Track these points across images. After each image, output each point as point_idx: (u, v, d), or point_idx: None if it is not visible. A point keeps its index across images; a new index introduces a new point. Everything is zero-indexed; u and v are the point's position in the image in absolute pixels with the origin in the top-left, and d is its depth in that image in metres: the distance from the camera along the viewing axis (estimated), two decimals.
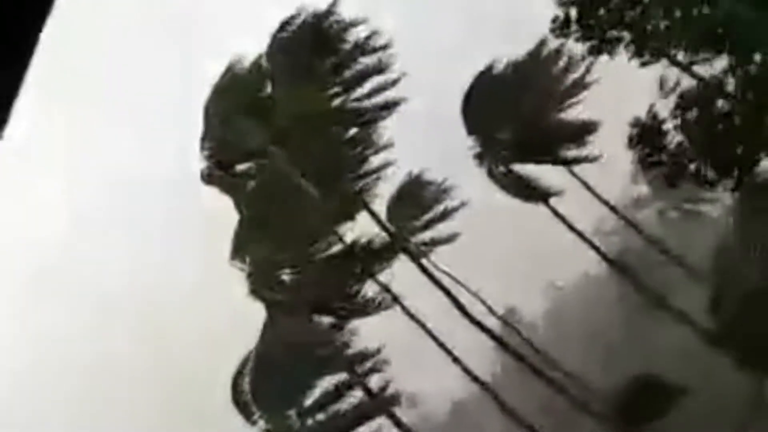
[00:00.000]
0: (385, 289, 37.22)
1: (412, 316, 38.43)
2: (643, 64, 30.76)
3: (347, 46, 37.95)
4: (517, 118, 42.70)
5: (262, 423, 37.01)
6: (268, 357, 34.64)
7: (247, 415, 36.82)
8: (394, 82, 38.39)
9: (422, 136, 45.44)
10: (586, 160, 43.51)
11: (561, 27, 32.18)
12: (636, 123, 31.83)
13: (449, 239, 43.27)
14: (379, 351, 37.50)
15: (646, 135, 31.45)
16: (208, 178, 35.72)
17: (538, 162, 44.14)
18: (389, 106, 39.23)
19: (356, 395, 37.38)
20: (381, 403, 34.52)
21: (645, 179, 40.85)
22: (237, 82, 36.51)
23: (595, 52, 31.73)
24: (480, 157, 43.75)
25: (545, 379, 40.28)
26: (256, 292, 33.60)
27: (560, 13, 32.09)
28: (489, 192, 44.96)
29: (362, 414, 37.30)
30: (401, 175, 42.36)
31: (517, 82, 43.86)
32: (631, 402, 36.39)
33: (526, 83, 43.77)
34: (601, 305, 59.93)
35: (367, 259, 36.96)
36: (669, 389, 36.14)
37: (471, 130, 43.57)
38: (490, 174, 43.84)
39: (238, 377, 36.84)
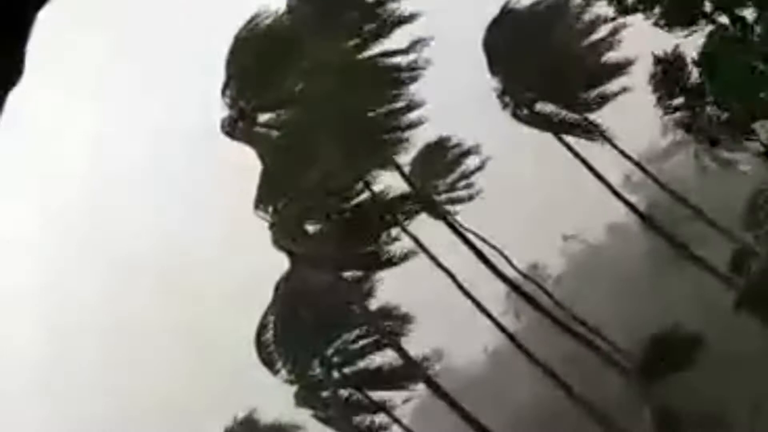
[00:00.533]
0: (413, 239, 36.76)
1: (441, 266, 38.03)
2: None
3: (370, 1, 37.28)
4: (542, 55, 41.76)
5: (284, 373, 36.92)
6: (292, 308, 34.40)
7: (270, 365, 36.70)
8: (420, 42, 37.63)
9: (447, 87, 44.62)
10: (615, 96, 42.61)
11: None
12: (658, 60, 30.72)
13: (472, 196, 42.87)
14: (399, 308, 37.20)
15: (667, 73, 30.37)
16: (228, 128, 35.12)
17: (564, 102, 43.23)
18: (416, 66, 38.52)
19: (386, 355, 37.17)
20: (413, 367, 34.16)
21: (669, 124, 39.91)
22: (261, 32, 35.78)
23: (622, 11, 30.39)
24: (503, 98, 42.96)
25: (569, 332, 39.84)
26: (279, 243, 33.08)
27: None
28: (515, 144, 44.38)
29: (394, 376, 37.11)
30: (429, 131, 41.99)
31: (542, 16, 43.12)
32: (651, 356, 35.99)
33: (551, 18, 43.04)
34: (628, 258, 59.39)
35: (391, 210, 36.40)
36: (688, 341, 35.71)
37: (494, 70, 42.78)
38: (515, 115, 43.17)
39: (262, 328, 36.68)
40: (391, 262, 37.01)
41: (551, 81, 41.55)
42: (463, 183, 43.04)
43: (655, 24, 28.79)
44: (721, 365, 34.64)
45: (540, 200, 58.78)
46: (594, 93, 42.97)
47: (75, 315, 72.42)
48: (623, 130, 45.35)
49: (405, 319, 37.62)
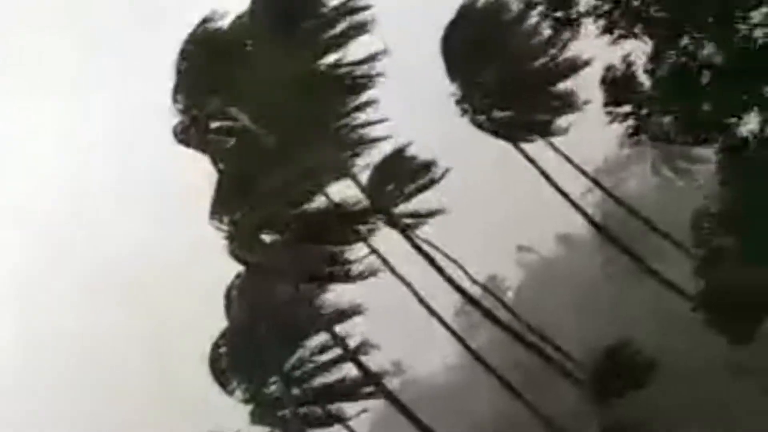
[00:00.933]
0: (373, 251, 36.24)
1: (400, 278, 37.64)
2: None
3: (328, 9, 36.73)
4: (500, 60, 41.68)
5: (239, 393, 36.33)
6: (246, 323, 33.85)
7: (224, 384, 36.10)
8: (377, 54, 37.12)
9: (405, 104, 44.47)
10: (574, 103, 42.62)
11: None
12: (609, 68, 30.77)
13: (435, 213, 42.78)
14: (359, 308, 36.68)
15: (616, 82, 30.39)
16: (182, 135, 34.20)
17: (522, 107, 43.06)
18: (373, 75, 38.07)
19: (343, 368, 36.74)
20: (372, 379, 33.70)
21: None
22: (215, 35, 34.73)
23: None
24: (462, 105, 42.82)
25: (525, 343, 39.77)
26: (236, 254, 32.35)
27: None
28: (474, 160, 44.24)
29: (353, 389, 36.68)
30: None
31: (498, 20, 42.77)
32: (603, 373, 35.96)
33: (508, 22, 42.69)
34: (585, 270, 59.57)
35: (348, 221, 35.78)
36: (642, 363, 35.79)
37: (452, 75, 42.51)
38: (473, 122, 43.04)
39: (216, 346, 36.07)
40: (351, 277, 36.51)
41: (508, 87, 41.44)
42: (420, 196, 42.84)
43: (603, 32, 28.74)
44: (676, 378, 34.72)
45: (499, 212, 58.86)
46: (552, 97, 42.82)
47: (39, 325, 71.61)
48: (582, 141, 45.47)
49: (366, 340, 37.10)
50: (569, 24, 28.50)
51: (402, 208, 41.87)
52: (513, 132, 43.08)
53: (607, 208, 53.84)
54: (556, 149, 42.35)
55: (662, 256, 43.75)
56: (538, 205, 49.45)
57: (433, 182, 42.49)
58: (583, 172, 45.00)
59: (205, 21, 34.67)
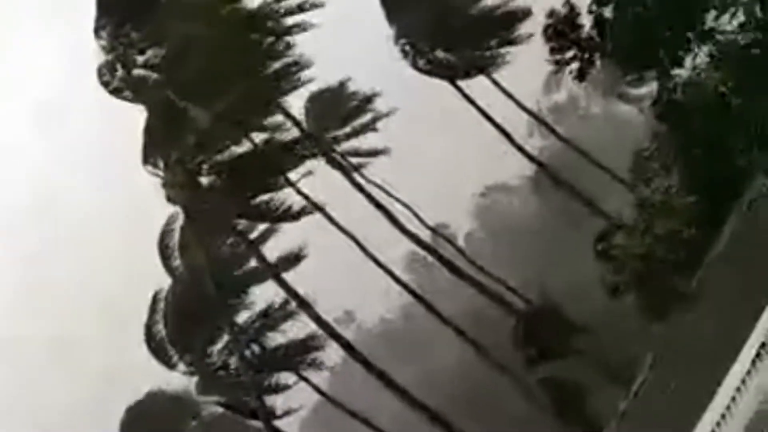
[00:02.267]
0: (302, 195, 34.53)
1: (342, 230, 36.23)
2: None
3: None
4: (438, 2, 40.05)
5: (181, 365, 34.60)
6: (187, 278, 32.05)
7: (165, 359, 34.30)
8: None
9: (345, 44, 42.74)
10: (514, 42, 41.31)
11: None
12: (551, 13, 30.31)
13: (379, 152, 41.23)
14: (301, 251, 35.14)
15: (558, 26, 29.90)
16: (107, 76, 31.63)
17: (461, 46, 41.65)
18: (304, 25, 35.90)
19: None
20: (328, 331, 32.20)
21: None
22: None
23: None
24: (402, 47, 41.25)
25: (478, 286, 38.70)
26: (171, 198, 30.36)
27: None
28: (415, 99, 42.72)
29: (307, 343, 35.24)
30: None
31: None
32: (531, 337, 35.54)
33: None
34: (530, 211, 58.89)
35: (280, 157, 33.81)
36: (569, 327, 35.38)
37: (391, 18, 40.95)
38: (414, 65, 41.46)
39: (152, 319, 34.25)
40: (287, 215, 34.68)
41: (447, 28, 40.02)
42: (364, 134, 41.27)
43: None
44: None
45: (443, 156, 57.52)
46: (493, 41, 41.57)
47: None
48: (517, 82, 44.27)
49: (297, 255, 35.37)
50: None
51: (344, 146, 40.57)
52: (451, 71, 41.64)
53: (552, 149, 52.95)
54: (497, 84, 41.17)
55: (608, 194, 42.90)
56: (481, 147, 48.24)
57: (376, 119, 41.02)
58: (525, 109, 43.92)
59: None
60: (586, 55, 30.16)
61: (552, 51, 31.12)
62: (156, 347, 34.62)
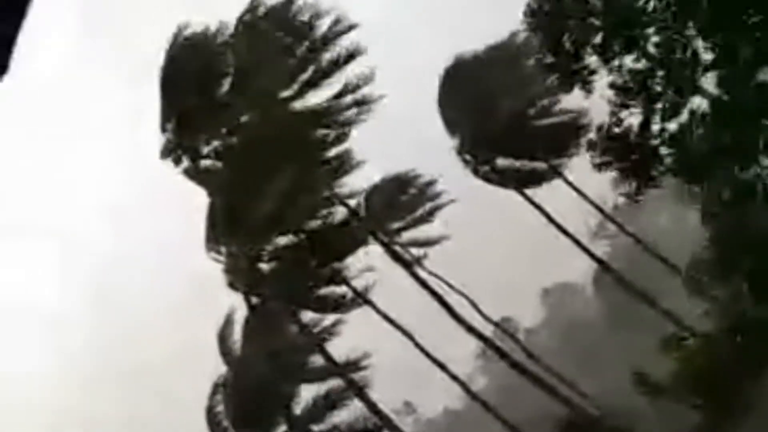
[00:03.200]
0: (361, 297, 34.05)
1: (399, 327, 35.71)
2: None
3: (317, 33, 34.28)
4: (500, 112, 39.92)
5: None
6: (251, 368, 31.73)
7: None
8: (366, 79, 34.36)
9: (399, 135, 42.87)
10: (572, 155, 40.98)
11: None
12: (599, 128, 29.59)
13: (438, 240, 41.01)
14: (364, 358, 34.76)
15: (605, 143, 29.19)
16: (169, 154, 31.48)
17: (524, 155, 41.46)
18: (365, 104, 35.51)
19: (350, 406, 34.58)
20: (383, 421, 31.54)
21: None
22: (195, 49, 31.49)
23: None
24: (463, 156, 41.18)
25: (544, 387, 37.74)
26: (234, 286, 30.21)
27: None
28: (477, 193, 42.55)
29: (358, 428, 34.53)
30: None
31: (496, 68, 40.96)
32: None
33: (505, 70, 40.79)
34: (593, 310, 57.89)
35: (340, 243, 33.38)
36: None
37: (451, 128, 40.93)
38: (475, 172, 41.42)
39: (213, 399, 33.79)
40: (336, 306, 34.25)
41: (510, 138, 39.80)
42: (424, 226, 41.06)
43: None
44: None
45: (506, 252, 57.19)
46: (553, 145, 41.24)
47: None
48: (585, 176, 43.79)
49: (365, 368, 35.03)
50: (577, 82, 27.31)
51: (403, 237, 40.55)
52: (517, 179, 41.32)
53: (618, 249, 52.25)
54: (569, 183, 40.70)
55: (674, 294, 41.91)
56: (546, 246, 47.64)
57: (436, 208, 40.86)
58: (596, 206, 43.29)
59: (178, 34, 31.68)
60: (642, 172, 29.37)
61: (599, 166, 30.53)
62: (216, 426, 34.36)
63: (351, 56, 32.20)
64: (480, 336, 38.23)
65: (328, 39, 32.16)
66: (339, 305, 34.03)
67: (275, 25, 31.58)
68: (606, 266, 45.75)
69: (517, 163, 41.36)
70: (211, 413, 34.15)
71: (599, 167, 30.01)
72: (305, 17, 32.20)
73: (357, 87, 32.69)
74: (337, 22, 32.21)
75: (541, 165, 41.50)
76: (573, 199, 42.42)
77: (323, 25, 32.36)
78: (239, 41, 30.67)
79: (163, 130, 30.96)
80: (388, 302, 36.16)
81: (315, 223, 32.83)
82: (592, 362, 50.25)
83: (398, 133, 40.16)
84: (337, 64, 32.19)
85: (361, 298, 34.00)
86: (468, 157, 41.69)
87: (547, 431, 38.65)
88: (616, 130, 29.53)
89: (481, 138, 40.64)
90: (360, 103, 32.79)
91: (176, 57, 31.10)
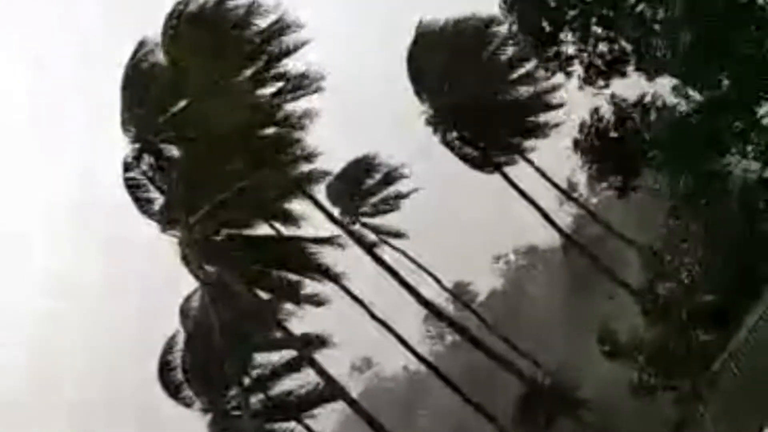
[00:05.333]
0: (329, 277, 34.05)
1: (357, 300, 35.80)
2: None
3: (258, 28, 33.48)
4: (468, 88, 39.12)
5: (198, 403, 34.41)
6: (202, 332, 31.71)
7: (177, 395, 34.08)
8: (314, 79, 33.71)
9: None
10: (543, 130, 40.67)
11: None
12: (581, 127, 29.29)
13: (399, 235, 41.24)
14: (329, 338, 35.10)
15: (590, 140, 28.96)
16: (130, 168, 31.13)
17: (493, 133, 41.10)
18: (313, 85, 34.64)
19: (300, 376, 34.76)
20: (332, 387, 31.63)
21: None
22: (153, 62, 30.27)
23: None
24: (433, 124, 40.58)
25: (491, 355, 37.95)
26: (187, 261, 29.88)
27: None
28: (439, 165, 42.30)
29: (313, 396, 34.74)
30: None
31: (465, 41, 39.99)
32: (537, 408, 34.91)
33: (476, 44, 39.85)
34: (553, 280, 58.13)
35: (310, 251, 33.32)
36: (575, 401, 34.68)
37: (421, 96, 40.10)
38: (444, 141, 41.05)
39: (166, 356, 34.02)
40: (309, 300, 34.34)
41: (477, 117, 39.34)
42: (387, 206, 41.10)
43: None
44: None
45: (467, 220, 57.21)
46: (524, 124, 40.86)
47: None
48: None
49: (323, 339, 35.26)
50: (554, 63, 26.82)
51: (367, 221, 40.53)
52: (483, 161, 40.98)
53: (579, 222, 52.33)
54: (530, 162, 40.34)
55: (629, 265, 42.10)
56: (508, 214, 47.66)
57: (399, 197, 40.93)
58: (557, 186, 43.08)
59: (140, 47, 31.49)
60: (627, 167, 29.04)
61: (586, 164, 30.13)
62: (168, 383, 34.54)
63: (296, 48, 31.69)
64: (431, 308, 38.32)
65: (272, 33, 31.55)
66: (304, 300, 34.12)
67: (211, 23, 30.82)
68: (568, 238, 45.92)
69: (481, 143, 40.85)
70: (164, 369, 34.30)
71: (587, 165, 29.85)
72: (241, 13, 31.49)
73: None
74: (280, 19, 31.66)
75: (508, 141, 41.14)
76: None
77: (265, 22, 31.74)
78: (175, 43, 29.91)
79: (125, 129, 30.44)
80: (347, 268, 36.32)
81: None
82: (547, 333, 50.62)
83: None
84: (286, 54, 31.65)
85: (338, 284, 34.30)
86: (437, 125, 41.14)
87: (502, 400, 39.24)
88: (598, 126, 29.40)
89: (447, 108, 40.16)
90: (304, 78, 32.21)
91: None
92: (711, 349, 27.08)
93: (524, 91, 40.43)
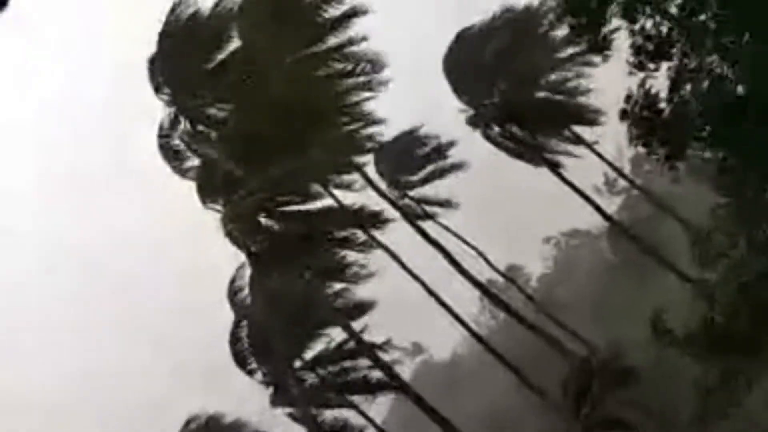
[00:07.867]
0: (384, 248, 34.12)
1: (413, 275, 35.82)
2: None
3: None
4: (510, 79, 39.24)
5: (259, 375, 35.06)
6: (260, 315, 32.10)
7: (245, 365, 34.74)
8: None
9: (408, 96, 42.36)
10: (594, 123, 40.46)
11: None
12: (627, 98, 29.02)
13: (449, 204, 41.01)
14: (372, 304, 35.05)
15: (637, 111, 28.70)
16: (167, 130, 30.93)
17: (536, 128, 40.94)
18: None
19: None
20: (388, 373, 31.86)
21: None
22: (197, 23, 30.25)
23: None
24: (471, 118, 40.62)
25: (542, 335, 38.01)
26: (233, 236, 29.44)
27: None
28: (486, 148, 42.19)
29: (368, 384, 35.04)
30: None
31: (507, 39, 40.00)
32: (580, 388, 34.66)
33: (517, 40, 39.91)
34: (602, 263, 57.81)
35: (360, 226, 33.34)
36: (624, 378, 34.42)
37: (458, 92, 40.22)
38: (486, 136, 41.09)
39: (236, 328, 34.42)
40: (358, 276, 34.47)
41: (518, 106, 39.28)
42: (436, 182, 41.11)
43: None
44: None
45: (518, 204, 57.04)
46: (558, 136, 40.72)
47: None
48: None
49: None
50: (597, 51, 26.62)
51: (414, 193, 40.54)
52: (527, 150, 40.97)
53: (627, 202, 52.09)
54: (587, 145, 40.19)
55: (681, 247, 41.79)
56: (557, 198, 47.39)
57: (450, 168, 40.81)
58: (610, 164, 43.00)
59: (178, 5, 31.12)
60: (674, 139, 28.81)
61: (634, 138, 30.00)
62: (237, 353, 35.14)
63: (354, 14, 31.58)
64: (483, 288, 38.43)
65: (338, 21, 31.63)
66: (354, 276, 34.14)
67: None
68: (615, 222, 45.73)
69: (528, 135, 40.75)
70: (234, 336, 34.82)
71: (633, 140, 29.58)
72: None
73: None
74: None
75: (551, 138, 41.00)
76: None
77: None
78: (244, 16, 29.96)
79: (159, 92, 30.39)
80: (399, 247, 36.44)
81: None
82: (600, 314, 50.40)
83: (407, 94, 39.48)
84: (341, 22, 31.62)
85: (397, 260, 34.34)
86: (476, 119, 41.12)
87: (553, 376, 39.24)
88: (645, 98, 29.10)
89: (489, 105, 40.25)
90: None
91: (174, 27, 30.57)
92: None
93: (572, 76, 40.42)
